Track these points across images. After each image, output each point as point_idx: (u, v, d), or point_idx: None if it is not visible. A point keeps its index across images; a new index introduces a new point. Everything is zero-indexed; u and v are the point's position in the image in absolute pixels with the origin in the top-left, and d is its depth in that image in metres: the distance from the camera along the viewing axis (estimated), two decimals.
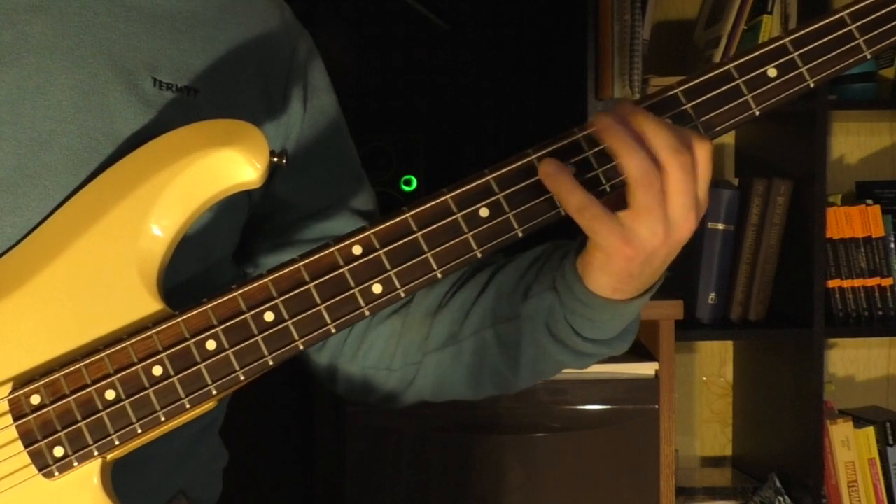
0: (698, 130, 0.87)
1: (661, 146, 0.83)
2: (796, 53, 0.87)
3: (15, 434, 0.85)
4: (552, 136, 0.88)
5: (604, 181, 0.86)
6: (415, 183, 2.34)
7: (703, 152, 0.84)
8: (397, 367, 1.04)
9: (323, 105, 1.07)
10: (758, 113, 0.87)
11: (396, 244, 0.86)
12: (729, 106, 0.87)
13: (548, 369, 1.00)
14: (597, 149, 0.86)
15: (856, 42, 0.87)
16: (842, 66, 0.87)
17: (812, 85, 0.87)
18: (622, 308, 0.91)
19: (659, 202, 0.83)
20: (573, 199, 0.84)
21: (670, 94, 0.87)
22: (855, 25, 0.87)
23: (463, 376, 1.02)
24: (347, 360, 1.06)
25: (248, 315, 0.86)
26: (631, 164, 0.83)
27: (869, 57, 0.87)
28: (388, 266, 0.86)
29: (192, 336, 0.85)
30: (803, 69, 0.87)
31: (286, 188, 1.04)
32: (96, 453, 0.85)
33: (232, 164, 0.86)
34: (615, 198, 0.85)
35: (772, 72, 0.87)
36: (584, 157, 0.87)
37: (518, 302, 0.97)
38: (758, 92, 0.87)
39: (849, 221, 2.45)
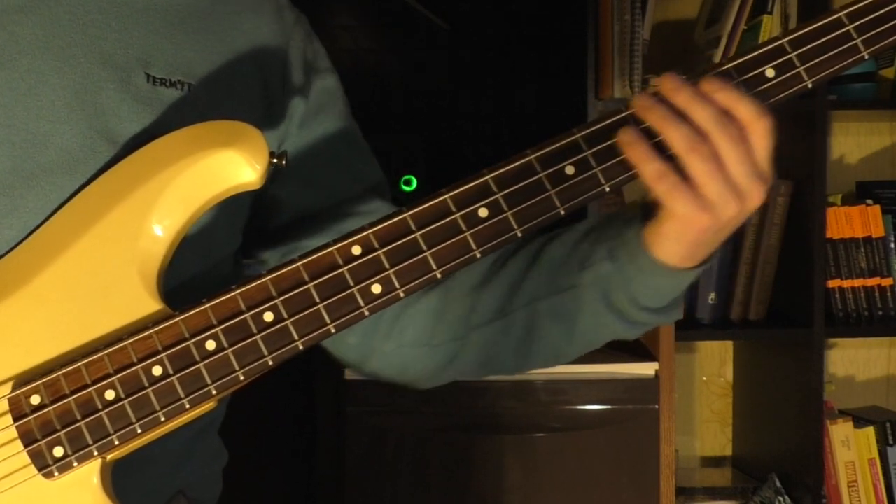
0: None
1: (703, 119, 0.84)
2: (794, 54, 0.87)
3: (15, 434, 0.85)
4: (552, 136, 0.88)
5: (603, 181, 0.87)
6: (415, 183, 2.34)
7: (754, 122, 0.84)
8: (438, 342, 1.03)
9: (327, 86, 1.07)
10: None
11: (395, 244, 0.86)
12: None
13: (600, 339, 1.00)
14: (595, 149, 0.86)
15: (853, 42, 0.87)
16: (840, 66, 0.87)
17: (810, 85, 0.87)
18: (683, 276, 0.92)
19: (717, 166, 0.84)
20: (652, 167, 0.84)
21: None
22: (853, 26, 0.87)
23: (511, 350, 1.01)
24: (382, 337, 1.04)
25: (247, 315, 0.86)
26: (674, 135, 0.84)
27: (867, 57, 0.87)
28: (387, 266, 0.86)
29: (192, 336, 0.85)
30: (801, 69, 0.87)
31: (300, 173, 1.03)
32: (96, 453, 0.85)
33: (232, 165, 0.86)
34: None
35: (769, 72, 0.87)
36: (583, 156, 0.87)
37: (574, 272, 0.96)
38: (756, 92, 0.87)
39: (849, 221, 2.46)
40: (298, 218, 1.04)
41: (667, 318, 0.97)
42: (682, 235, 0.87)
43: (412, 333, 1.03)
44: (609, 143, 0.87)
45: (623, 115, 0.87)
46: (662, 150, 0.85)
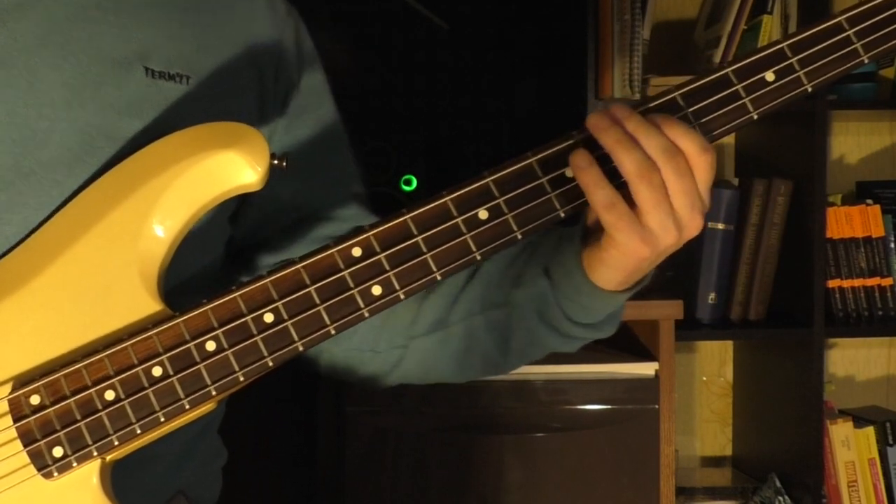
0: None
1: (653, 148, 0.84)
2: (794, 58, 0.87)
3: (14, 434, 0.85)
4: (552, 138, 0.88)
5: None
6: (415, 183, 2.34)
7: (699, 156, 0.85)
8: (382, 349, 1.05)
9: (314, 84, 1.08)
10: (756, 117, 0.87)
11: (396, 246, 0.86)
12: (727, 110, 0.87)
13: (536, 353, 1.02)
14: (598, 153, 0.86)
15: (853, 46, 0.87)
16: (839, 70, 0.87)
17: (810, 89, 0.88)
18: (617, 297, 0.93)
19: (664, 196, 0.84)
20: (603, 195, 0.85)
21: (668, 97, 0.87)
22: (853, 31, 0.87)
23: (450, 360, 1.03)
24: (331, 341, 1.06)
25: (248, 317, 0.86)
26: (627, 159, 0.84)
27: (867, 61, 0.87)
28: (387, 268, 0.86)
29: (192, 337, 0.86)
30: (801, 73, 0.87)
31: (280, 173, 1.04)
32: (96, 454, 0.85)
33: (233, 166, 0.86)
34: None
35: (770, 76, 0.87)
36: None
37: (508, 289, 0.98)
38: (756, 96, 0.87)
39: (849, 221, 2.46)
40: (273, 218, 1.05)
41: (602, 333, 0.99)
42: (622, 264, 0.88)
43: (358, 338, 1.05)
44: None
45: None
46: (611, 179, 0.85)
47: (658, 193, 0.84)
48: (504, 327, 0.99)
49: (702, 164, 0.85)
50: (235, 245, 1.06)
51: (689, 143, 0.85)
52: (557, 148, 0.87)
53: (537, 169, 0.87)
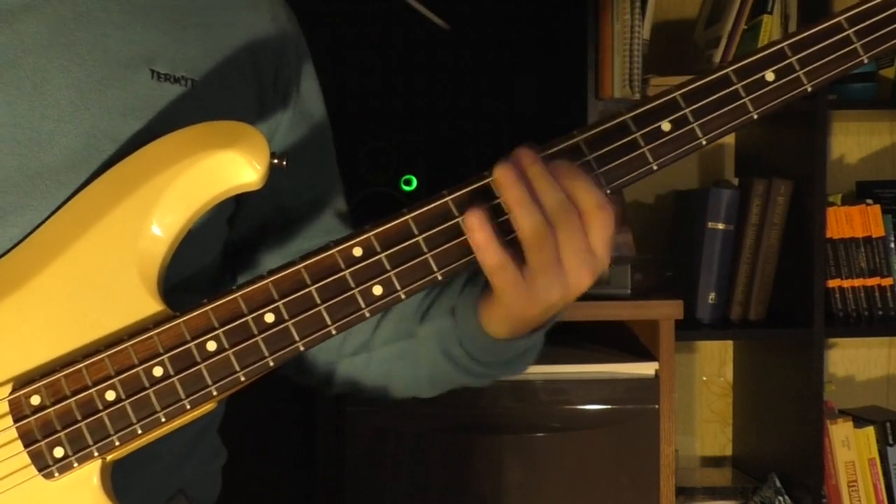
0: (695, 134, 0.87)
1: (549, 204, 0.83)
2: (794, 58, 0.87)
3: (15, 434, 0.85)
4: (552, 138, 0.88)
5: (603, 182, 0.87)
6: (415, 183, 2.34)
7: (595, 211, 0.84)
8: (317, 364, 1.07)
9: (310, 92, 1.08)
10: (756, 117, 0.87)
11: (397, 246, 0.86)
12: (727, 109, 0.87)
13: (447, 384, 1.04)
14: (596, 153, 0.86)
15: (853, 46, 0.87)
16: (839, 70, 0.87)
17: (810, 89, 0.87)
18: (514, 344, 0.94)
19: (554, 260, 0.84)
20: (492, 258, 0.84)
21: (669, 97, 0.87)
22: (852, 30, 0.87)
23: (373, 381, 1.06)
24: None
25: (248, 317, 0.86)
26: (524, 223, 0.84)
27: (866, 61, 0.87)
28: (388, 267, 0.86)
29: (193, 337, 0.85)
30: (801, 73, 0.87)
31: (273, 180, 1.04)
32: (96, 454, 0.85)
33: (233, 165, 0.86)
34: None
35: (769, 76, 0.87)
36: (587, 160, 0.87)
37: (417, 322, 1.00)
38: (755, 95, 0.87)
39: (849, 221, 2.46)
40: (270, 218, 1.06)
41: (513, 370, 0.99)
42: (508, 318, 0.90)
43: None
44: (615, 146, 0.87)
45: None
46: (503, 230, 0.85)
47: (550, 257, 0.84)
48: (413, 359, 1.02)
49: (597, 222, 0.84)
50: (232, 247, 1.06)
51: (587, 199, 0.84)
52: (557, 148, 0.87)
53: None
